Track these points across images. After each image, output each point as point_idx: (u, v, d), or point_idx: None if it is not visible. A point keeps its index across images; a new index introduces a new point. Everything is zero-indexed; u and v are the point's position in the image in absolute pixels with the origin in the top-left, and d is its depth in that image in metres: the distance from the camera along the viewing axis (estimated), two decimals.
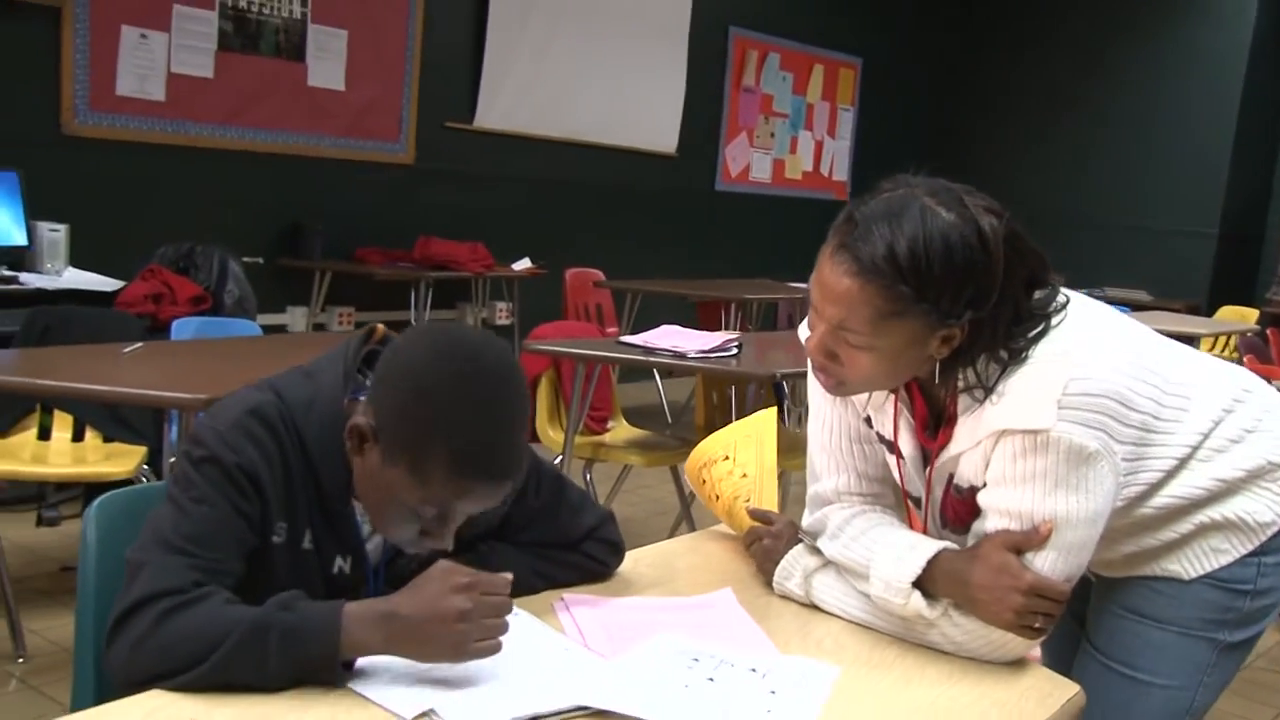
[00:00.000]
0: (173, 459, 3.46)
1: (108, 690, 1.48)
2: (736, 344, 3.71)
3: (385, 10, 6.00)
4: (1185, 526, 1.51)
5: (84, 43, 4.88)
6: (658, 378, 6.80)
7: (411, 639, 1.20)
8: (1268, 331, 6.32)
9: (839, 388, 1.47)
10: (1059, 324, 1.40)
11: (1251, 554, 1.51)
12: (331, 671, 1.19)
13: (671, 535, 3.44)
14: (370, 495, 1.35)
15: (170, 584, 1.23)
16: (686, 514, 4.08)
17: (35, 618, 3.24)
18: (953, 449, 1.46)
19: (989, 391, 1.38)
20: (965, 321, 1.34)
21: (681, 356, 3.59)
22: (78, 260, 4.50)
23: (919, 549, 1.44)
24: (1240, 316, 7.59)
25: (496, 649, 1.22)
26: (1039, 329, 1.39)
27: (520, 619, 1.42)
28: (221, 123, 5.40)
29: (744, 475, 1.80)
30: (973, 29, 9.94)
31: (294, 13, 5.60)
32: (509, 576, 1.24)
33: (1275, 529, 1.51)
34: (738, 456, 1.82)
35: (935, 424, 1.51)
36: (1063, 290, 1.43)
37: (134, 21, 5.03)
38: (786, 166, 8.90)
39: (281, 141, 5.65)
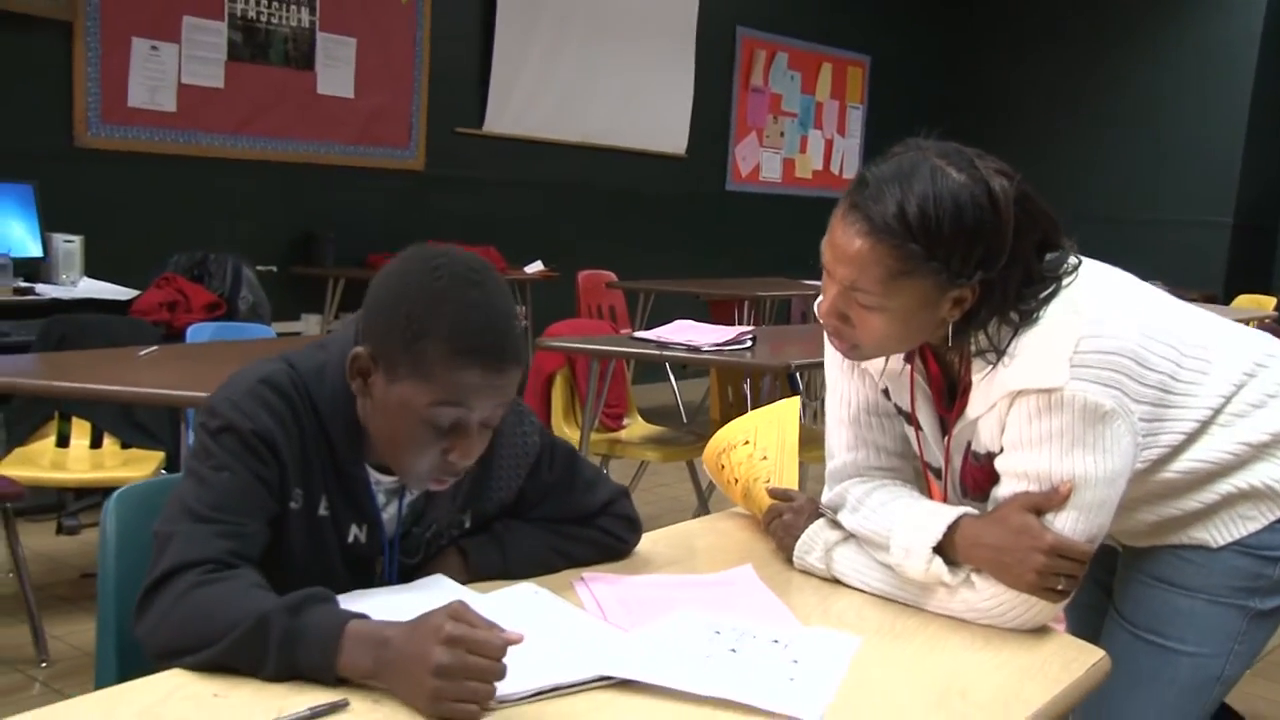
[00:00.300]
0: None
1: (130, 678, 1.49)
2: (751, 337, 3.70)
3: (393, 17, 6.02)
4: (1210, 495, 1.49)
5: (95, 55, 4.91)
6: (672, 378, 6.79)
7: (395, 674, 1.12)
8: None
9: (853, 351, 1.47)
10: (1070, 285, 1.40)
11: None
12: (327, 683, 1.14)
13: None
14: (384, 430, 1.34)
15: (198, 554, 1.23)
16: (704, 509, 4.07)
17: (57, 623, 3.25)
18: (969, 414, 1.45)
19: (1001, 354, 1.38)
20: (976, 282, 1.34)
21: (696, 350, 3.58)
22: (92, 270, 4.53)
23: (939, 515, 1.43)
24: (1257, 304, 7.55)
25: (475, 715, 1.09)
26: (1050, 290, 1.38)
27: (541, 596, 1.43)
28: (232, 132, 5.43)
29: (764, 458, 1.79)
30: (979, 26, 9.92)
31: (302, 21, 5.63)
32: (511, 637, 1.12)
33: None
34: (758, 440, 1.82)
35: (951, 393, 1.50)
36: (1076, 255, 1.42)
37: (144, 33, 5.07)
38: (797, 166, 8.89)
39: (292, 150, 5.67)
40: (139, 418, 3.45)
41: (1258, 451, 1.48)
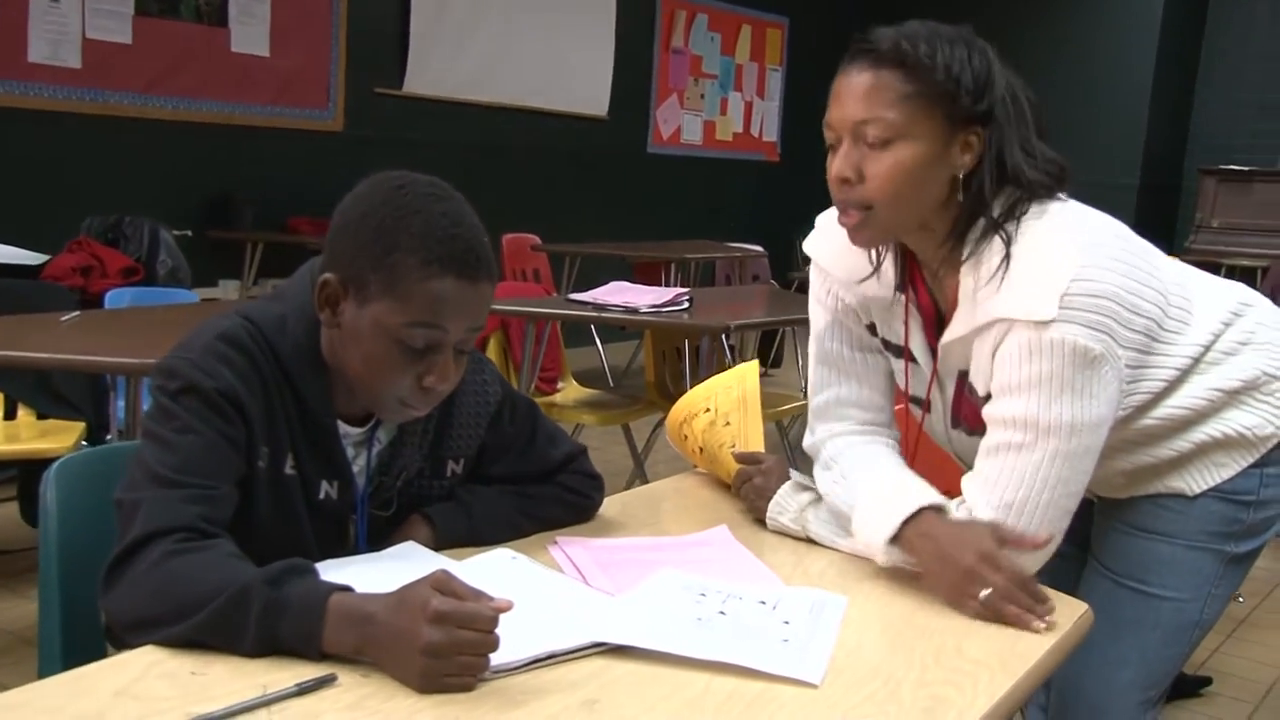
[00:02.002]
0: (110, 436, 3.35)
1: (76, 661, 1.42)
2: (688, 298, 3.69)
3: None
4: (1184, 443, 1.51)
5: None
6: (598, 340, 6.76)
7: (382, 651, 1.08)
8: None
9: (865, 221, 1.42)
10: (1062, 215, 1.40)
11: (1254, 465, 1.52)
12: (310, 657, 1.09)
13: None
14: (355, 359, 1.30)
15: (169, 521, 1.18)
16: (640, 473, 4.06)
17: None
18: (956, 330, 1.44)
19: (998, 269, 1.37)
20: (982, 116, 1.37)
21: (634, 311, 3.55)
22: None
23: (898, 505, 1.41)
24: None
25: (470, 687, 1.07)
26: (1050, 191, 1.40)
27: (519, 562, 1.39)
28: (142, 91, 5.21)
29: (726, 424, 1.77)
30: None
31: None
32: (500, 605, 1.08)
33: (1275, 441, 1.51)
34: (719, 407, 1.80)
35: (940, 324, 1.49)
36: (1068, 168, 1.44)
37: None
38: (717, 128, 8.87)
39: (206, 110, 5.47)
40: (57, 387, 3.30)
41: (1230, 398, 1.50)
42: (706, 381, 1.88)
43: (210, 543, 1.19)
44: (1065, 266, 1.34)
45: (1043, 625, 1.29)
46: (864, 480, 1.50)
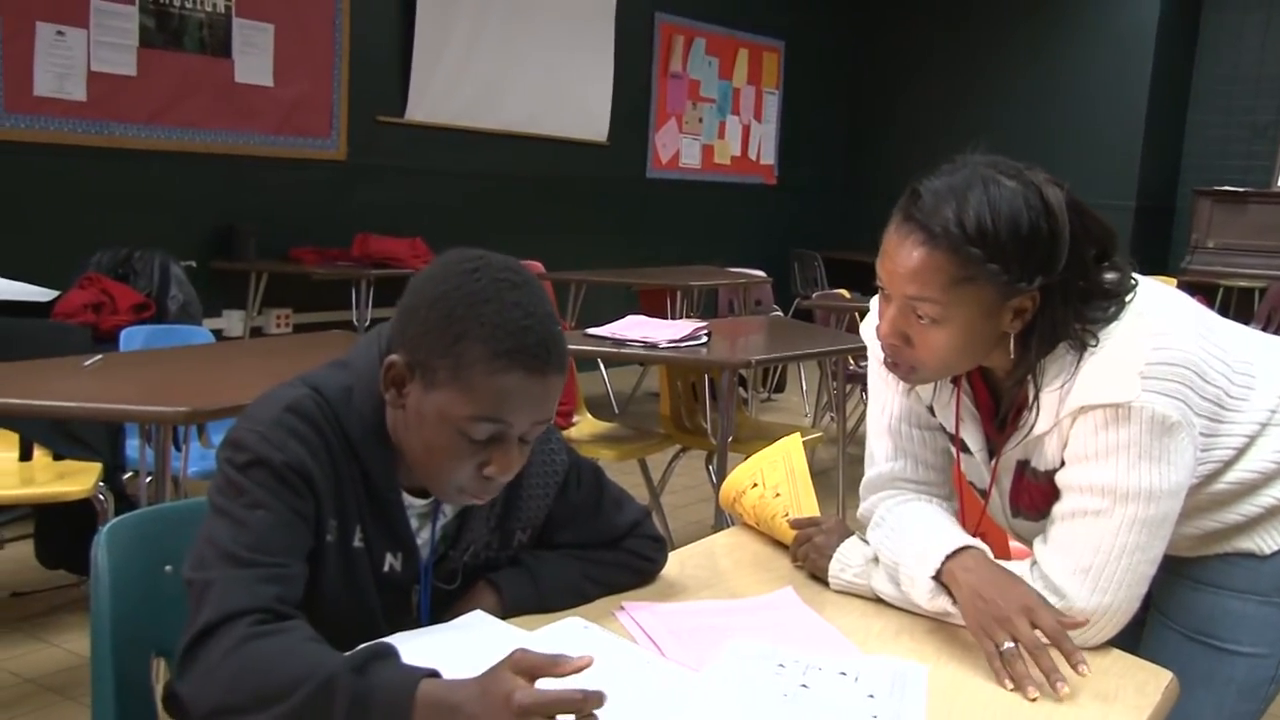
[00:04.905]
0: (129, 474, 3.32)
1: None
2: (706, 332, 3.67)
3: (311, 3, 5.83)
4: (1252, 507, 1.50)
5: None
6: (603, 368, 6.74)
7: None
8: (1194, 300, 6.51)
9: (912, 375, 1.44)
10: (1131, 302, 1.39)
11: None
12: None
13: None
14: (418, 443, 1.28)
15: (244, 603, 1.15)
16: (657, 505, 4.03)
17: None
18: (1038, 429, 1.43)
19: (1073, 370, 1.37)
20: (1036, 289, 1.34)
21: (653, 347, 3.54)
22: (5, 270, 4.28)
23: (941, 543, 1.41)
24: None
25: None
26: (1113, 309, 1.37)
27: (593, 632, 1.37)
28: (146, 122, 5.20)
29: (777, 495, 1.77)
30: (890, 8, 10.02)
31: (218, 6, 5.41)
32: (581, 663, 1.05)
33: None
34: (766, 480, 1.80)
35: (1002, 417, 1.48)
36: (1134, 273, 1.42)
37: (49, 18, 4.81)
38: (715, 152, 8.88)
39: (210, 140, 5.46)
40: (73, 428, 3.26)
41: None
42: (750, 459, 1.88)
43: (287, 624, 1.16)
44: (1140, 345, 1.35)
45: (1056, 691, 1.25)
46: (913, 533, 1.48)
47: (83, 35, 4.93)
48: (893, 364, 1.44)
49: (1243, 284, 8.37)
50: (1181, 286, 7.47)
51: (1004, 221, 1.32)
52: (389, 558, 1.36)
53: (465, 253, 1.29)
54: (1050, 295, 1.35)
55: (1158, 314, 1.39)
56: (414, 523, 1.38)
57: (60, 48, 4.86)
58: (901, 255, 1.35)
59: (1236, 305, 8.38)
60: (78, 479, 3.14)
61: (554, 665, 1.06)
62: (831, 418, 5.42)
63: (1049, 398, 1.40)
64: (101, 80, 5.00)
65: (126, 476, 3.30)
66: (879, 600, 1.53)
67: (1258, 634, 1.53)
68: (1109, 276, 1.39)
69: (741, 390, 5.57)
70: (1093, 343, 1.37)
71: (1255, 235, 8.50)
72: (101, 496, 3.03)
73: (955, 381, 1.51)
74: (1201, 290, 7.71)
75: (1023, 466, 1.49)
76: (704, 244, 8.50)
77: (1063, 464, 1.41)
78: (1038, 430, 1.42)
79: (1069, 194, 1.38)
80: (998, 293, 1.34)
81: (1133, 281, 1.41)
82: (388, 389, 1.28)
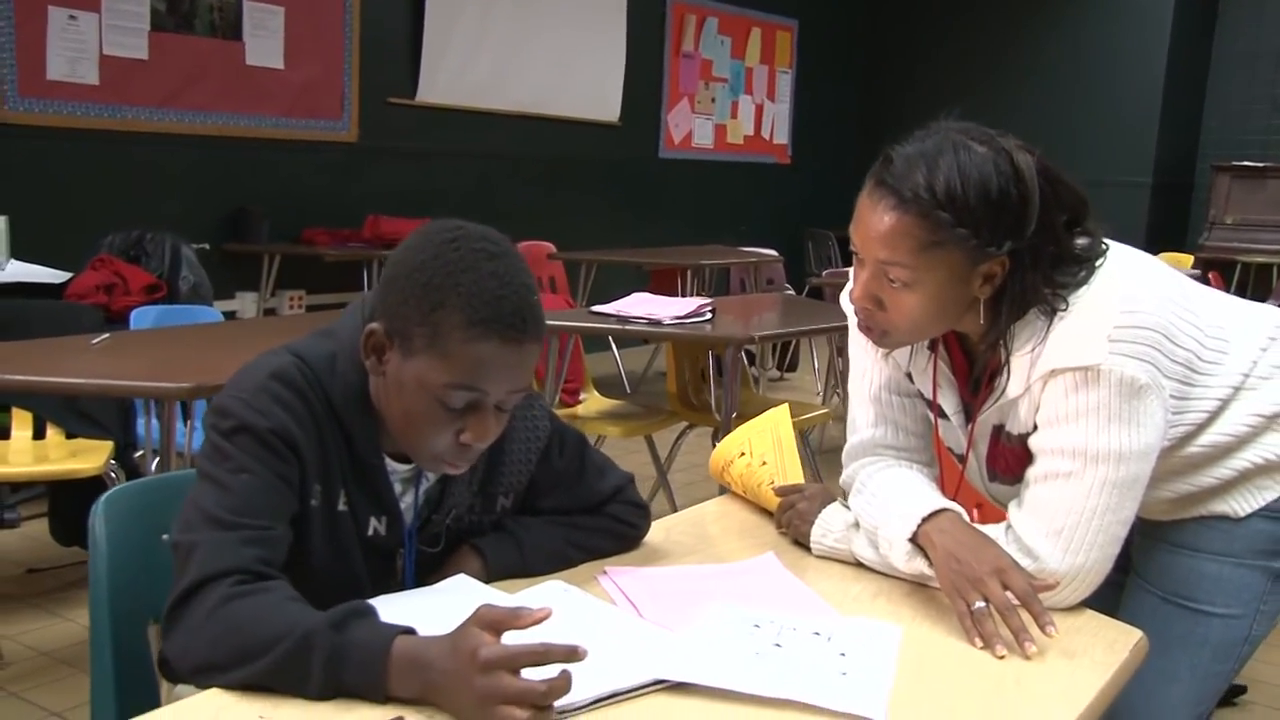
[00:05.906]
0: (139, 453, 3.36)
1: (127, 694, 1.43)
2: (710, 309, 3.69)
3: None
4: (1226, 470, 1.52)
5: (9, 25, 4.69)
6: (614, 347, 6.76)
7: (444, 699, 1.08)
8: (1209, 275, 6.47)
9: (884, 339, 1.46)
10: (1102, 267, 1.40)
11: None
12: (375, 701, 1.10)
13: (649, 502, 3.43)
14: (398, 410, 1.30)
15: (226, 564, 1.18)
16: (664, 482, 4.06)
17: (7, 623, 3.14)
18: (1009, 393, 1.45)
19: (1044, 333, 1.38)
20: (1005, 254, 1.35)
21: (658, 324, 3.55)
22: (19, 252, 4.34)
23: (918, 506, 1.42)
24: (1177, 262, 7.73)
25: None
26: (1083, 273, 1.39)
27: (572, 594, 1.39)
28: (159, 105, 5.24)
29: (763, 463, 1.79)
30: None
31: None
32: (539, 615, 1.07)
33: None
34: (754, 449, 1.82)
35: (976, 380, 1.50)
36: (1104, 239, 1.43)
37: (61, 2, 4.85)
38: (728, 131, 8.87)
39: (221, 123, 5.49)
40: (84, 406, 3.31)
41: (1270, 422, 1.51)
42: (738, 429, 1.90)
43: (268, 585, 1.19)
44: (1109, 309, 1.36)
45: (1024, 650, 1.27)
46: (892, 497, 1.50)
47: (94, 19, 4.97)
48: (866, 328, 1.46)
49: (1261, 260, 8.31)
50: (1199, 263, 7.43)
51: (973, 186, 1.33)
52: (373, 522, 1.39)
53: (444, 223, 1.31)
54: (1020, 260, 1.36)
55: (1127, 278, 1.40)
56: (398, 487, 1.41)
57: (72, 31, 4.90)
58: (873, 219, 1.37)
59: (1255, 281, 8.32)
60: (89, 457, 3.19)
61: (515, 618, 1.08)
62: (840, 395, 5.43)
63: (1020, 362, 1.41)
64: (113, 64, 5.04)
65: (137, 455, 3.35)
66: (859, 565, 1.55)
67: (1232, 595, 1.54)
68: (1080, 242, 1.41)
69: (751, 368, 5.58)
70: (1062, 307, 1.38)
71: (1275, 210, 8.43)
72: (113, 474, 3.09)
73: (932, 347, 1.53)
74: (1219, 267, 7.66)
75: (998, 431, 1.51)
76: (717, 223, 8.51)
77: (1035, 428, 1.43)
78: (1010, 394, 1.44)
79: (1040, 160, 1.39)
80: (967, 257, 1.35)
81: (1103, 247, 1.42)
82: (368, 356, 1.31)
